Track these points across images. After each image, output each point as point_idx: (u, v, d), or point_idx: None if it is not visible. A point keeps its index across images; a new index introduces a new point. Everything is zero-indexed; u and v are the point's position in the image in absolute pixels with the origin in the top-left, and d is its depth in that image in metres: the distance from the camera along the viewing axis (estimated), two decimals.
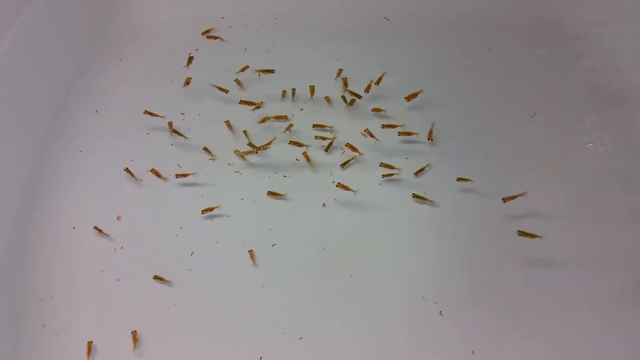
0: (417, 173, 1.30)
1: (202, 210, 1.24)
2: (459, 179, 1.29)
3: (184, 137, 1.36)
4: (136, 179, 1.31)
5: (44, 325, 1.12)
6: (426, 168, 1.31)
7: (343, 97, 1.44)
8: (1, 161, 1.27)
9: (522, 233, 1.19)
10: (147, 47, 1.56)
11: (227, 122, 1.39)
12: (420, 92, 1.41)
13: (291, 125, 1.39)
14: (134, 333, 1.10)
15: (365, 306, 1.14)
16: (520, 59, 1.53)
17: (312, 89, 1.44)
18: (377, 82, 1.44)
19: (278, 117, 1.40)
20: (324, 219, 1.26)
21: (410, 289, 1.16)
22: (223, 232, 1.24)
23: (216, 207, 1.25)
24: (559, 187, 1.30)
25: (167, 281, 1.17)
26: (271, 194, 1.28)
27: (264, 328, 1.12)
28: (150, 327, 1.12)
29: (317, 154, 1.35)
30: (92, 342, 1.09)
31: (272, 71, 1.47)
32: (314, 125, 1.38)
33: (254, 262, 1.20)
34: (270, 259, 1.20)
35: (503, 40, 1.57)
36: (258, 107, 1.40)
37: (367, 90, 1.44)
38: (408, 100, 1.41)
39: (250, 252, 1.21)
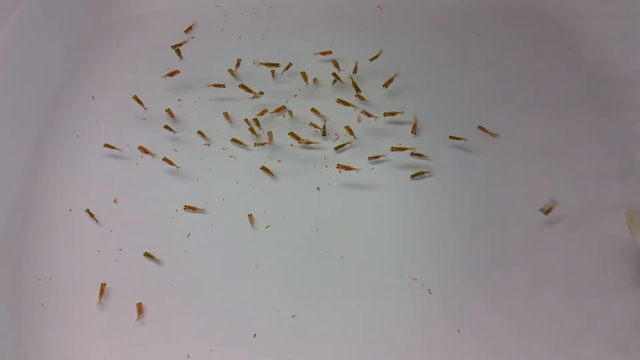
0: (413, 176, 1.31)
1: (184, 206, 1.26)
2: (451, 137, 1.35)
3: (173, 131, 1.37)
4: (119, 150, 1.34)
5: (42, 304, 1.14)
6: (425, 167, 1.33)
7: (334, 74, 1.46)
8: (1, 145, 1.30)
9: (545, 210, 1.22)
10: (143, 35, 1.58)
11: (226, 114, 1.41)
12: (395, 75, 1.44)
13: (291, 112, 1.41)
14: (139, 305, 1.13)
15: (356, 286, 1.17)
16: (513, 46, 1.55)
17: (304, 75, 1.46)
18: (372, 59, 1.48)
19: (277, 110, 1.42)
20: (317, 202, 1.28)
21: (401, 269, 1.19)
22: (218, 215, 1.26)
23: (201, 210, 1.27)
24: (549, 172, 1.31)
25: (157, 260, 1.19)
26: (264, 169, 1.31)
27: (258, 307, 1.14)
28: (146, 306, 1.14)
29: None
30: (104, 284, 1.14)
31: (276, 65, 1.48)
32: (312, 110, 1.41)
33: (252, 225, 1.24)
34: (264, 241, 1.23)
35: (495, 28, 1.59)
36: (257, 96, 1.42)
37: (354, 71, 1.47)
38: (386, 87, 1.44)
39: (250, 216, 1.24)
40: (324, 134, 1.37)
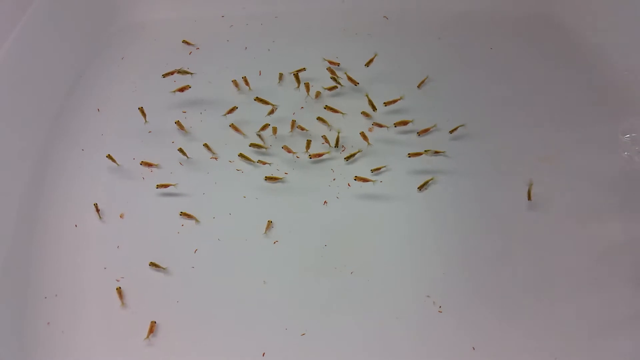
0: (420, 187, 1.30)
1: (180, 213, 1.25)
2: (451, 131, 1.37)
3: (187, 156, 1.35)
4: (118, 165, 1.32)
5: (48, 323, 1.13)
6: (430, 182, 1.32)
7: (333, 78, 1.45)
8: (5, 160, 1.28)
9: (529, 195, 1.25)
10: (148, 46, 1.57)
11: (233, 125, 1.40)
12: (400, 99, 1.42)
13: (302, 126, 1.39)
14: (152, 324, 1.12)
15: (366, 302, 1.16)
16: (519, 56, 1.54)
17: (307, 86, 1.45)
18: (367, 64, 1.47)
19: (292, 128, 1.40)
20: (325, 216, 1.27)
21: (412, 285, 1.17)
22: (225, 230, 1.25)
23: (194, 219, 1.26)
24: (556, 182, 1.30)
25: (164, 269, 1.19)
26: (269, 179, 1.30)
27: (267, 324, 1.13)
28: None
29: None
30: (120, 287, 1.15)
31: (299, 73, 1.47)
32: (318, 119, 1.40)
33: (265, 232, 1.23)
34: (272, 256, 1.21)
35: (502, 38, 1.58)
36: (274, 110, 1.41)
37: (354, 83, 1.46)
38: (386, 105, 1.42)
39: (269, 222, 1.24)
40: (336, 145, 1.36)
